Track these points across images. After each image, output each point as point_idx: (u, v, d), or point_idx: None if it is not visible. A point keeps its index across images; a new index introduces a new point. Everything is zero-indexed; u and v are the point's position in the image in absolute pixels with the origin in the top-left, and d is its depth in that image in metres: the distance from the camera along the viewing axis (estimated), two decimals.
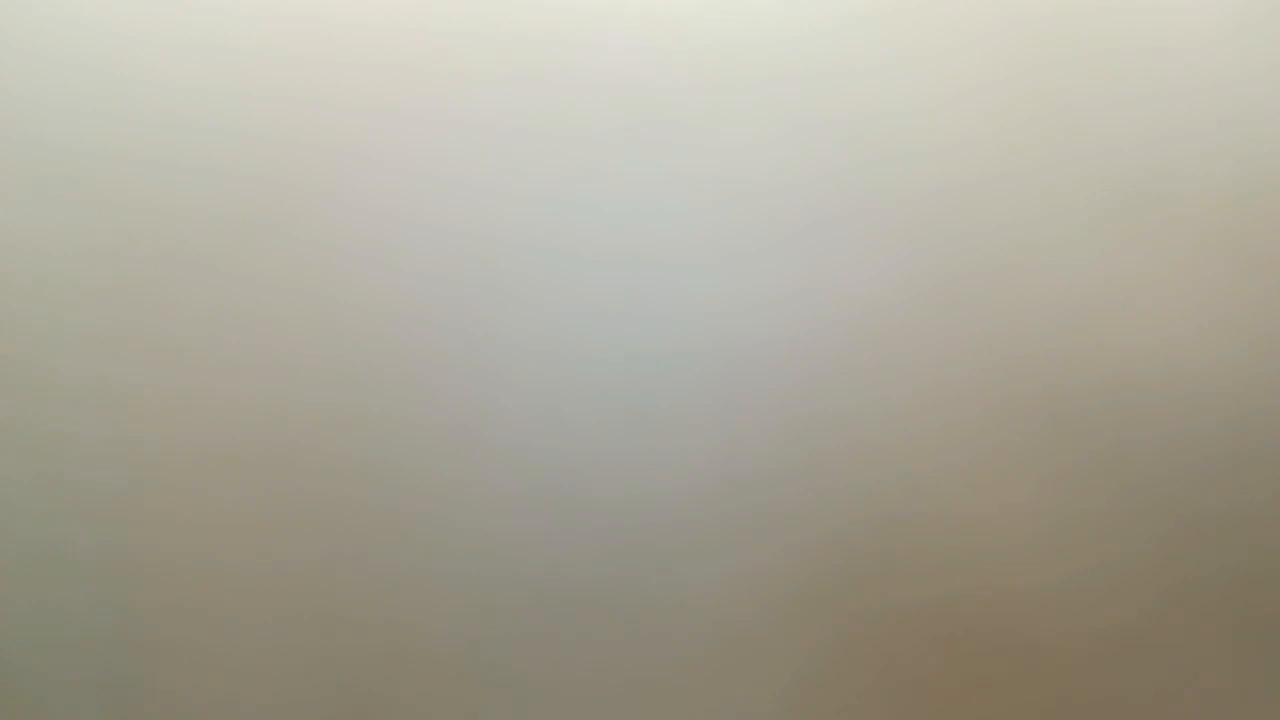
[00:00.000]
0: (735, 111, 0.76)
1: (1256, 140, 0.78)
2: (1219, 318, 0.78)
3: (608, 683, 0.75)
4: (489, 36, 0.76)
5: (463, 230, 0.75)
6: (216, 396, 0.74)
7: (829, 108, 0.77)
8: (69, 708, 0.73)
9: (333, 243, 0.75)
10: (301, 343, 0.74)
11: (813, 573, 0.76)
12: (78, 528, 0.73)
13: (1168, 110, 0.78)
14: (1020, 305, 0.77)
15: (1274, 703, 0.77)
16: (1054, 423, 0.77)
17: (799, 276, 0.76)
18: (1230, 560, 0.77)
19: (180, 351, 0.74)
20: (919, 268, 0.77)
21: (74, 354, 0.73)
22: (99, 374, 0.73)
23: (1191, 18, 0.78)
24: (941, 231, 0.77)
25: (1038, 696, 0.76)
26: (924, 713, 0.76)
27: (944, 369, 0.77)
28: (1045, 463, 0.77)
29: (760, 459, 0.76)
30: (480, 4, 0.76)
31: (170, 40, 0.75)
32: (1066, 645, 0.76)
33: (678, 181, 0.76)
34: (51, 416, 0.73)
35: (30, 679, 0.73)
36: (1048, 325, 0.77)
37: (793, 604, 0.76)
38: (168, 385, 0.74)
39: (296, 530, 0.74)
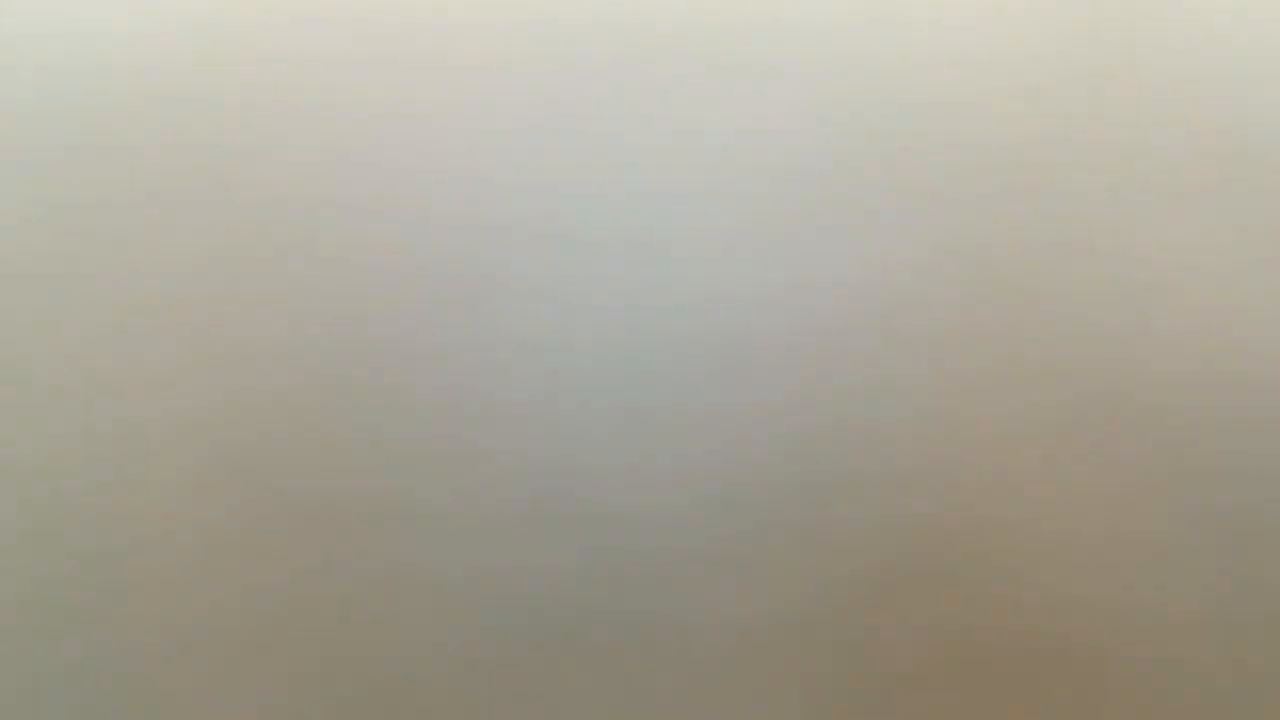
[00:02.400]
0: (744, 98, 0.76)
1: None
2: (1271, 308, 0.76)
3: (611, 695, 0.74)
4: (489, 29, 0.76)
5: (461, 227, 0.75)
6: (210, 402, 0.74)
7: (850, 97, 0.77)
8: None
9: (329, 239, 0.75)
10: (297, 345, 0.75)
11: (826, 580, 0.75)
12: (61, 546, 0.73)
13: (1220, 98, 0.77)
14: (1051, 297, 0.76)
15: None
16: (1088, 424, 0.75)
17: (815, 269, 0.76)
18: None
19: (173, 355, 0.74)
20: (945, 258, 0.76)
21: (67, 360, 0.74)
22: (80, 387, 0.74)
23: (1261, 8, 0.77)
24: (969, 218, 0.76)
25: (1061, 706, 0.75)
26: None
27: (970, 366, 0.76)
28: (1076, 466, 0.75)
29: (773, 461, 0.75)
30: None
31: (163, 31, 0.75)
32: (1098, 654, 0.75)
33: (684, 173, 0.76)
34: (42, 425, 0.74)
35: (24, 691, 0.73)
36: (1075, 320, 0.76)
37: (805, 612, 0.74)
38: (161, 389, 0.74)
39: (292, 539, 0.74)
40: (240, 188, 0.75)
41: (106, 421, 0.74)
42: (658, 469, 0.75)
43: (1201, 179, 0.77)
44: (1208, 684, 0.75)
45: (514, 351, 0.75)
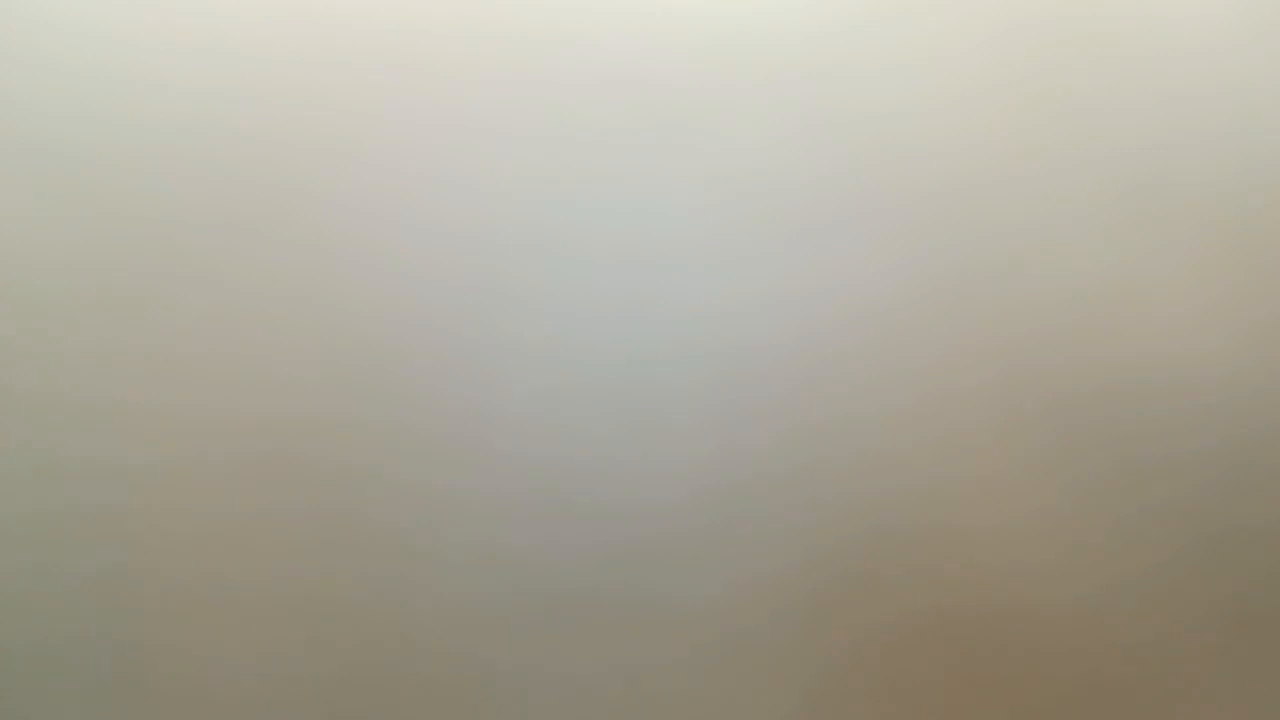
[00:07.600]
0: (737, 112, 0.76)
1: (1269, 145, 0.78)
2: (1232, 325, 0.77)
3: (608, 692, 0.75)
4: (488, 37, 0.75)
5: (461, 233, 0.75)
6: (213, 406, 0.74)
7: (832, 108, 0.77)
8: None
9: (330, 248, 0.74)
10: (299, 351, 0.74)
11: (815, 581, 0.76)
12: (75, 546, 0.73)
13: (1179, 113, 0.78)
14: (1028, 310, 0.77)
15: None
16: (1060, 432, 0.77)
17: (801, 279, 0.76)
18: (1239, 575, 0.77)
19: (175, 362, 0.74)
20: (924, 271, 0.76)
21: (69, 369, 0.73)
22: (94, 389, 0.73)
23: (1201, 20, 0.78)
24: (947, 234, 0.77)
25: (1039, 710, 0.76)
26: None
27: (949, 375, 0.76)
28: (1051, 472, 0.77)
29: (763, 465, 0.75)
30: (479, 4, 0.76)
31: (166, 43, 0.74)
32: (1072, 659, 0.76)
33: (679, 183, 0.76)
34: (47, 432, 0.73)
35: (29, 700, 0.73)
36: (1056, 331, 0.77)
37: (795, 612, 0.76)
38: (163, 397, 0.74)
39: (295, 540, 0.74)
40: (240, 204, 0.74)
41: (135, 426, 0.73)
42: (655, 466, 0.75)
43: (1167, 217, 0.78)
44: (1179, 682, 0.77)
45: (519, 358, 0.75)
